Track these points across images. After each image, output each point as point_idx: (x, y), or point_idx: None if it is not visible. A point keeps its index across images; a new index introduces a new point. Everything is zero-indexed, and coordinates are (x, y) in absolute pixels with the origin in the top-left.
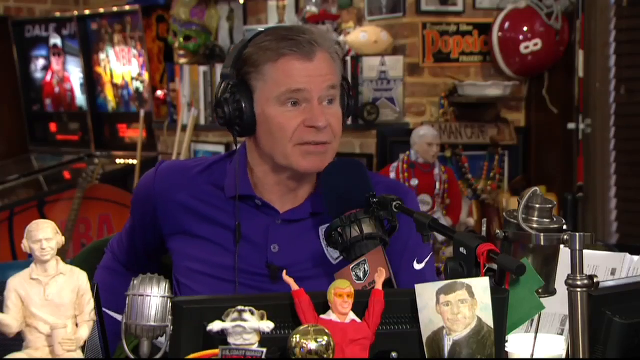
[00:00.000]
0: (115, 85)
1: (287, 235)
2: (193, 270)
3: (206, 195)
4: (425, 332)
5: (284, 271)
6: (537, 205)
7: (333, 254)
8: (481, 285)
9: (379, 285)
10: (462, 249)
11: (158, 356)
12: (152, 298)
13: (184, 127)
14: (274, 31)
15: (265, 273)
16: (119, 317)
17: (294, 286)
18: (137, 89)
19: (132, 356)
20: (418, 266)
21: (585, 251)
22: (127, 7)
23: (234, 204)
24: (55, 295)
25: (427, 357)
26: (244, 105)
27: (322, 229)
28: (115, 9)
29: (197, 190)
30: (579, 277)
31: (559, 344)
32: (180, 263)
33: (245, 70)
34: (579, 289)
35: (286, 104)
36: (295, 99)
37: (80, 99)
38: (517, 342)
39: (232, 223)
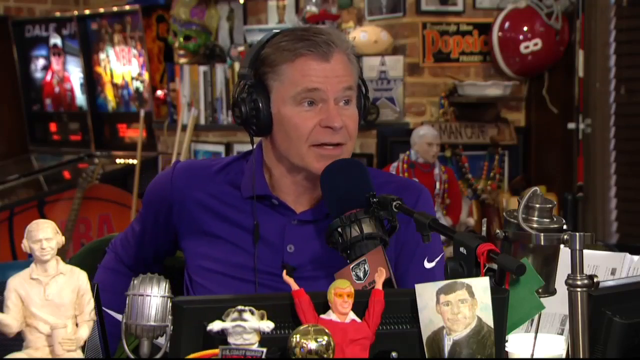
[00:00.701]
0: (115, 85)
1: (303, 236)
2: (208, 269)
3: (223, 194)
4: (425, 332)
5: (284, 271)
6: (537, 205)
7: None
8: (481, 285)
9: (379, 285)
10: (462, 249)
11: (158, 356)
12: (152, 298)
13: (184, 127)
14: (291, 32)
15: (281, 273)
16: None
17: (294, 286)
18: (137, 89)
19: (132, 356)
20: (428, 265)
21: (585, 251)
22: (127, 7)
23: (251, 203)
24: (55, 295)
25: (427, 357)
26: (260, 105)
27: None
28: (115, 9)
29: (215, 188)
30: (579, 277)
31: (559, 344)
32: (194, 262)
33: (262, 71)
34: (579, 289)
35: (302, 104)
36: (311, 99)
37: (80, 99)
38: (517, 342)
39: (248, 222)
